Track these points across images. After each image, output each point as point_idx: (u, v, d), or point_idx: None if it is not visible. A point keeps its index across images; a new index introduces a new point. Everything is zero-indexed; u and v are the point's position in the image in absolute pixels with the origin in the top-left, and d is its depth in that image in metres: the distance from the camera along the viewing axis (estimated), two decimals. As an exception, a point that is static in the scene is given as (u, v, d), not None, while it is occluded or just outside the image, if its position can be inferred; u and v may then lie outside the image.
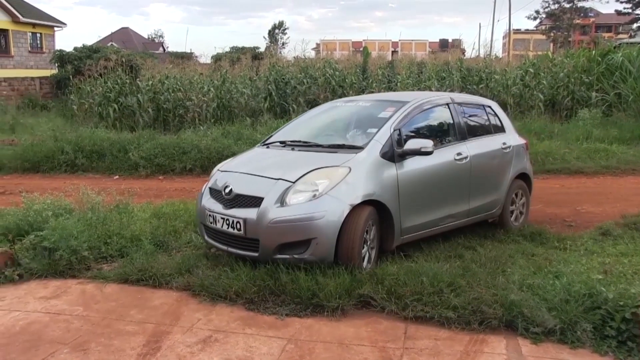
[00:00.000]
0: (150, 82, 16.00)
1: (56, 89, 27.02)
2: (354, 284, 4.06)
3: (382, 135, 4.87)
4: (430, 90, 15.31)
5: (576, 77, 15.14)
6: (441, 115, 5.66)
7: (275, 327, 3.70)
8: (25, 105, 23.60)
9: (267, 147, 5.53)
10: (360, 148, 4.78)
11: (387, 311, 3.87)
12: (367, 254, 4.55)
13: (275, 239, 4.28)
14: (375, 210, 4.58)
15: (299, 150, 5.15)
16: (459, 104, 5.85)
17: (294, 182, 4.40)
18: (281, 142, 5.47)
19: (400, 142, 4.89)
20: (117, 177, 10.31)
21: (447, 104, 5.70)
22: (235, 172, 4.92)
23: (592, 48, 17.26)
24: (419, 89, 15.63)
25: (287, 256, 4.28)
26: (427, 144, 4.81)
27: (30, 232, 4.90)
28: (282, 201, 4.32)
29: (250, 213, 4.38)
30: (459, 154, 5.38)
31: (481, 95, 15.36)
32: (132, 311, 3.96)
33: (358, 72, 17.81)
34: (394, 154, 4.81)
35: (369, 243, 4.54)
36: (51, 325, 3.75)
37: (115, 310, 3.99)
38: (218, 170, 5.25)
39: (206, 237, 4.89)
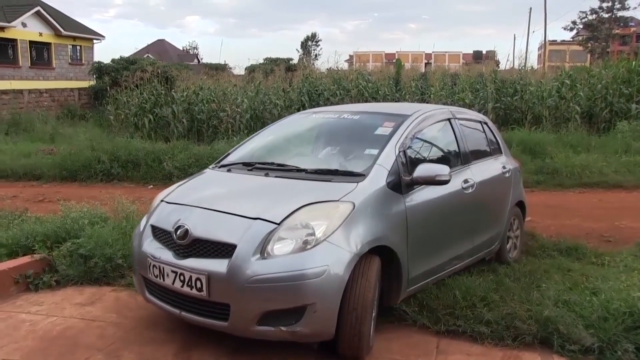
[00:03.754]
0: (185, 93, 16.28)
1: (94, 99, 27.75)
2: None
3: (387, 158, 3.82)
4: (465, 102, 15.17)
5: (615, 88, 14.78)
6: (445, 134, 4.73)
7: (305, 339, 3.68)
8: (65, 115, 24.27)
9: (228, 171, 4.27)
10: (361, 175, 3.68)
11: (418, 325, 3.82)
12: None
13: (255, 305, 3.13)
14: (380, 259, 3.52)
15: (276, 177, 3.91)
16: (459, 119, 4.94)
17: (279, 224, 3.24)
18: (246, 164, 4.24)
19: (407, 167, 3.89)
20: (151, 186, 10.46)
21: (449, 120, 4.77)
22: (190, 206, 3.66)
23: (633, 58, 16.84)
24: (452, 101, 15.52)
25: (272, 328, 3.15)
26: (442, 170, 3.81)
27: (67, 239, 4.99)
28: (263, 251, 3.17)
29: (216, 266, 3.21)
30: (465, 181, 4.48)
31: (516, 107, 15.17)
32: (163, 320, 4.00)
33: (391, 83, 17.82)
34: (401, 182, 3.78)
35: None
36: (86, 331, 3.82)
37: (148, 319, 4.03)
38: (163, 201, 3.95)
39: (147, 295, 3.68)
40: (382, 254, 3.52)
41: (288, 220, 3.27)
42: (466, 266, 4.65)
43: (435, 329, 3.75)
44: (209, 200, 3.69)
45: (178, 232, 3.42)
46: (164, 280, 3.42)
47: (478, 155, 5.00)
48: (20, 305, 4.29)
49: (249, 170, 4.12)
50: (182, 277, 3.31)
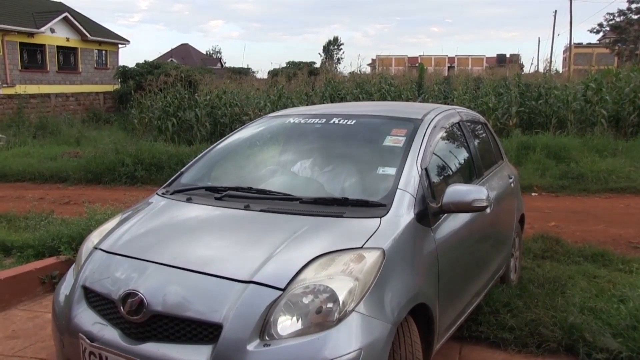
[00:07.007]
0: (208, 97, 16.43)
1: (118, 103, 28.17)
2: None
3: (409, 180, 2.85)
4: (488, 106, 15.00)
5: (643, 91, 14.49)
6: (457, 141, 3.83)
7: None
8: (90, 119, 24.65)
9: (188, 200, 3.08)
10: (381, 205, 2.71)
11: (440, 330, 3.78)
12: None
13: None
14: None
15: (262, 211, 2.78)
16: (467, 121, 4.07)
17: (283, 289, 2.22)
18: (212, 190, 3.12)
19: (431, 190, 2.98)
20: (174, 189, 10.54)
21: (459, 123, 3.87)
22: (142, 260, 2.52)
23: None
24: (475, 105, 15.37)
25: None
26: (480, 193, 2.89)
27: (92, 241, 5.06)
28: (263, 332, 2.15)
29: (192, 356, 2.16)
30: None
31: (540, 111, 14.94)
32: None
33: (414, 87, 17.72)
34: (428, 212, 2.85)
35: None
36: (109, 332, 3.85)
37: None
38: (98, 249, 2.76)
39: None
40: (413, 312, 2.55)
41: (296, 283, 2.24)
42: (480, 302, 3.83)
43: (458, 335, 3.70)
44: (170, 251, 2.55)
45: (127, 304, 2.31)
46: None
47: (488, 164, 4.18)
48: (46, 305, 4.36)
49: (217, 199, 2.99)
50: None
